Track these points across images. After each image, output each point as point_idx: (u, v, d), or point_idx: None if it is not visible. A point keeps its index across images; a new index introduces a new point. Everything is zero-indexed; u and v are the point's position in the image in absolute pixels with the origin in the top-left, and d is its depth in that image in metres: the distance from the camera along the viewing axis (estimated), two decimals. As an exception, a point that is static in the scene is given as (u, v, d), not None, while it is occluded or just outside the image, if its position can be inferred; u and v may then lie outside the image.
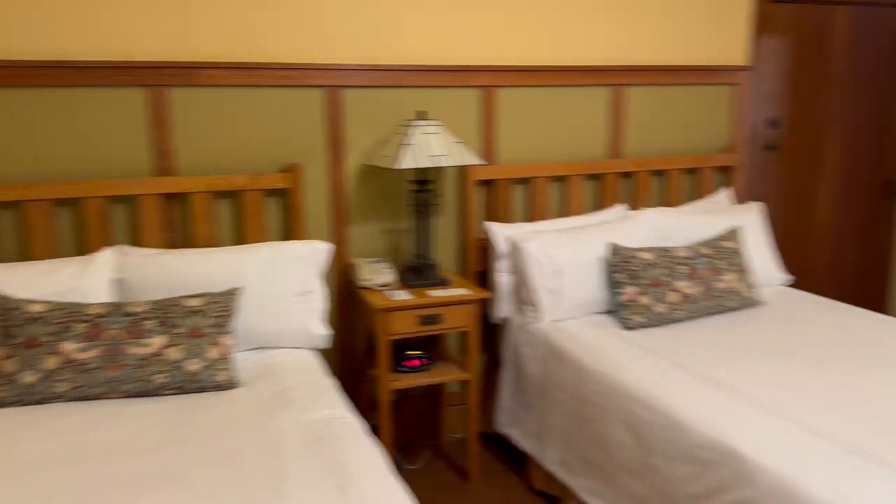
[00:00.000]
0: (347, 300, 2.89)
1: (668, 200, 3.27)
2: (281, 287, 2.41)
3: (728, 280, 2.74)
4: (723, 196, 3.33)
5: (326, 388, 2.13)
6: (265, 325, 2.37)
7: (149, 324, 2.08)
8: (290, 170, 2.67)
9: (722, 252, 2.79)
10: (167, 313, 2.11)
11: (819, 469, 1.64)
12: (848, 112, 3.66)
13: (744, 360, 2.28)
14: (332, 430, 1.83)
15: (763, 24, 3.39)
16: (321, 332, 2.46)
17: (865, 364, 2.22)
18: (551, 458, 2.52)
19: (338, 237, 2.83)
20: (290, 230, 2.70)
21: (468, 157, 2.64)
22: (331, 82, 2.73)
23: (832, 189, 3.71)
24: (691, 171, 3.35)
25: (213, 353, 2.10)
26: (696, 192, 3.36)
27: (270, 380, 2.17)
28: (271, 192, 2.71)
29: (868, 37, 3.62)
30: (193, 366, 2.06)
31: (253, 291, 2.33)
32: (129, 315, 2.08)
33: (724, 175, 3.40)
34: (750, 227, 3.10)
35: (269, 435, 1.81)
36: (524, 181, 3.06)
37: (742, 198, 3.47)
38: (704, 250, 2.77)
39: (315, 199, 2.79)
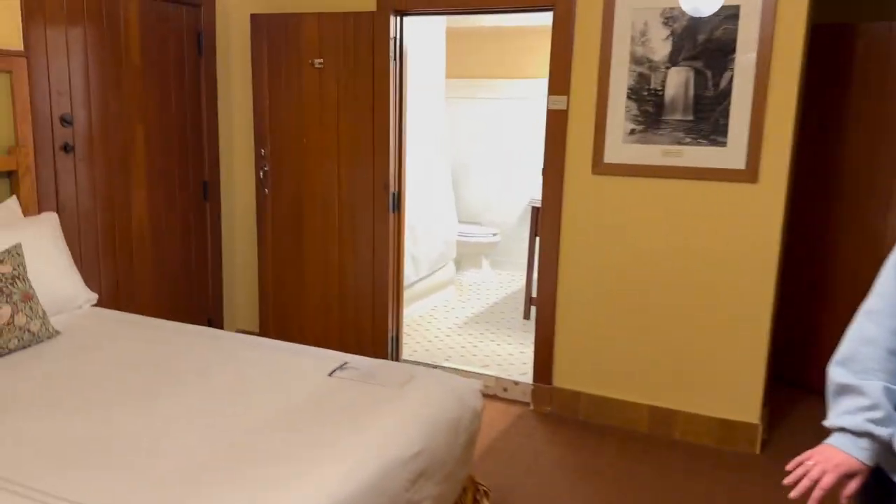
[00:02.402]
0: None
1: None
2: None
3: (2, 315, 2.22)
4: (10, 207, 2.77)
5: None
6: None
7: None
8: None
9: (-8, 281, 2.26)
10: None
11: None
12: (154, 109, 3.52)
13: (8, 414, 1.83)
14: None
15: (44, 9, 2.93)
16: None
17: (147, 396, 2.02)
18: None
19: None
20: None
21: None
22: None
23: (149, 191, 3.53)
24: (-37, 178, 2.69)
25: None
26: (-27, 204, 2.72)
27: None
28: None
29: (163, 31, 3.53)
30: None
31: None
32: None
33: (12, 181, 2.85)
34: (40, 242, 2.64)
35: None
36: None
37: (41, 206, 2.97)
38: (-33, 281, 2.19)
39: None
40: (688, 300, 3.09)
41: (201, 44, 3.74)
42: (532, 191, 6.04)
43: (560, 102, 3.17)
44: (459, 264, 5.89)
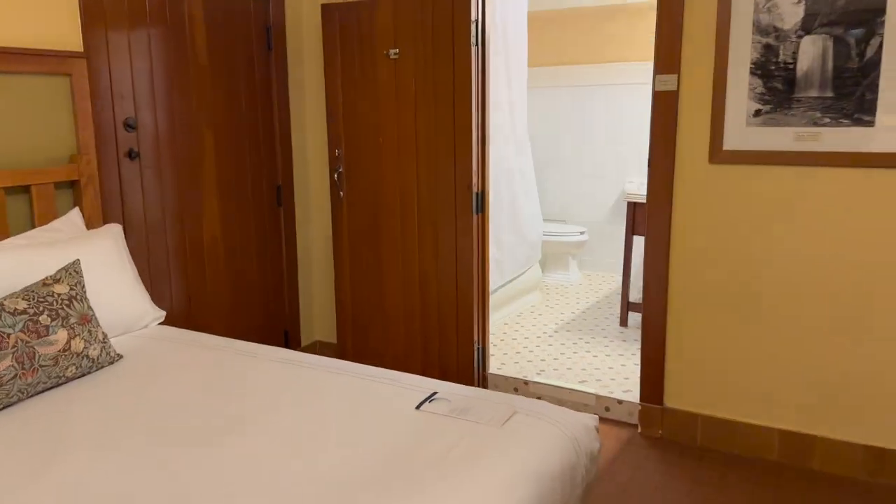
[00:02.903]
0: None
1: (-13, 232, 2.38)
2: None
3: (59, 340, 2.02)
4: (72, 219, 2.59)
5: None
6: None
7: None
8: None
9: (46, 302, 2.05)
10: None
11: None
12: (223, 110, 3.31)
13: (61, 457, 1.60)
14: None
15: (104, 8, 2.74)
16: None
17: (211, 436, 1.76)
18: None
19: None
20: None
21: None
22: None
23: (220, 198, 3.33)
24: (25, 191, 2.52)
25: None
26: (42, 217, 2.54)
27: None
28: None
29: (230, 26, 3.32)
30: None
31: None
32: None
33: (75, 192, 2.67)
34: (103, 257, 2.44)
35: None
36: None
37: (105, 218, 2.80)
38: (17, 304, 1.99)
39: None
40: (830, 310, 2.63)
41: (270, 39, 3.51)
42: (623, 183, 5.60)
43: (669, 83, 2.76)
44: (544, 266, 5.51)
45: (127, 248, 2.63)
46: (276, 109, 3.57)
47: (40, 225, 2.54)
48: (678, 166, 2.81)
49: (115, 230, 2.61)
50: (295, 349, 3.84)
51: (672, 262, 2.89)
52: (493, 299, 4.27)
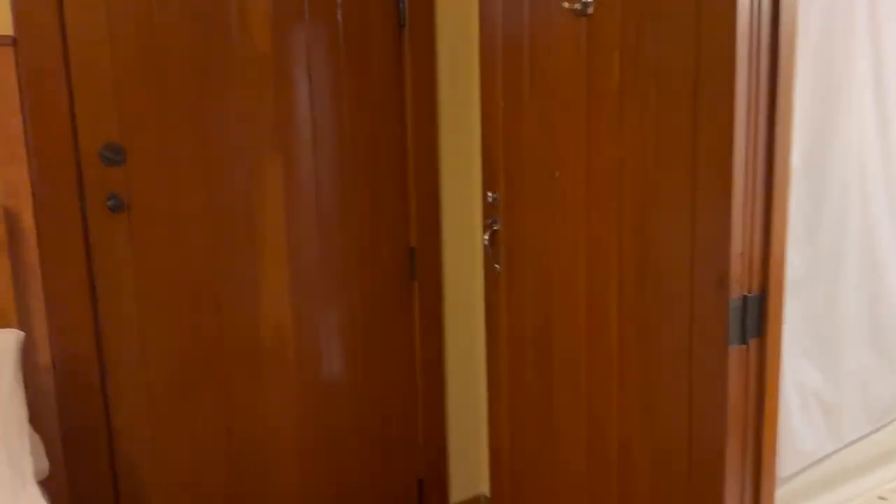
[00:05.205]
0: None
1: None
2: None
3: None
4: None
5: None
6: None
7: None
8: None
9: None
10: None
11: None
12: (299, 119, 2.03)
13: None
14: None
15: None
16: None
17: None
18: None
19: None
20: None
21: None
22: None
23: (294, 269, 2.05)
24: None
25: None
26: None
27: None
28: None
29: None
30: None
31: None
32: None
33: (-6, 265, 1.63)
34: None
35: None
36: None
37: (29, 312, 1.72)
38: None
39: None
40: None
41: (403, 9, 2.13)
42: None
43: None
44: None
45: (16, 376, 1.47)
46: (408, 119, 2.17)
47: None
48: None
49: (13, 340, 1.48)
50: (438, 509, 2.39)
51: None
52: (818, 474, 2.28)
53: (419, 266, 2.25)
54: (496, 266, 2.03)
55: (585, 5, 1.65)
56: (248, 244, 1.97)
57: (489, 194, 2.01)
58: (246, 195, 1.95)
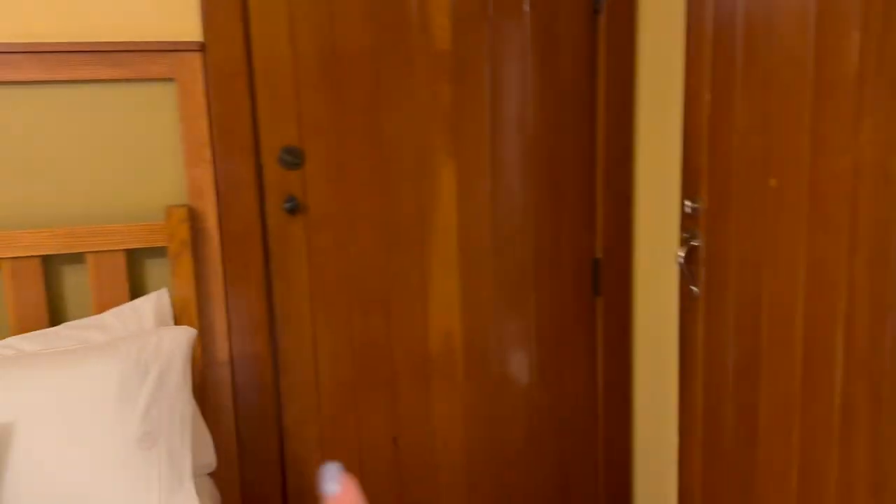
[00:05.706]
0: None
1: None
2: None
3: None
4: (139, 310, 1.63)
5: None
6: None
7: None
8: None
9: None
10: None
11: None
12: (476, 127, 1.90)
13: None
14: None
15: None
16: None
17: None
18: None
19: None
20: None
21: None
22: None
23: (464, 276, 1.94)
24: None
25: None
26: (102, 300, 1.67)
27: None
28: None
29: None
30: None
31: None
32: None
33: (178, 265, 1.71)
34: (96, 400, 1.39)
35: None
36: None
37: (211, 309, 1.77)
38: None
39: None
40: None
41: (599, -6, 1.91)
42: None
43: None
44: None
45: (185, 371, 1.51)
46: (600, 116, 1.95)
47: (99, 311, 1.65)
48: None
49: (178, 336, 1.53)
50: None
51: None
52: None
53: (604, 280, 2.02)
54: (693, 288, 1.74)
55: (818, -26, 1.32)
56: (419, 249, 1.89)
57: (687, 203, 1.73)
58: (418, 199, 1.87)
